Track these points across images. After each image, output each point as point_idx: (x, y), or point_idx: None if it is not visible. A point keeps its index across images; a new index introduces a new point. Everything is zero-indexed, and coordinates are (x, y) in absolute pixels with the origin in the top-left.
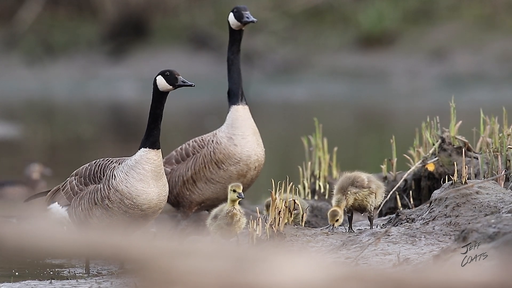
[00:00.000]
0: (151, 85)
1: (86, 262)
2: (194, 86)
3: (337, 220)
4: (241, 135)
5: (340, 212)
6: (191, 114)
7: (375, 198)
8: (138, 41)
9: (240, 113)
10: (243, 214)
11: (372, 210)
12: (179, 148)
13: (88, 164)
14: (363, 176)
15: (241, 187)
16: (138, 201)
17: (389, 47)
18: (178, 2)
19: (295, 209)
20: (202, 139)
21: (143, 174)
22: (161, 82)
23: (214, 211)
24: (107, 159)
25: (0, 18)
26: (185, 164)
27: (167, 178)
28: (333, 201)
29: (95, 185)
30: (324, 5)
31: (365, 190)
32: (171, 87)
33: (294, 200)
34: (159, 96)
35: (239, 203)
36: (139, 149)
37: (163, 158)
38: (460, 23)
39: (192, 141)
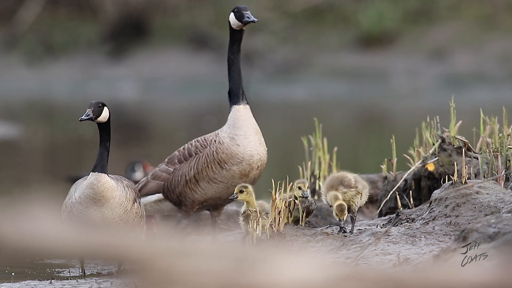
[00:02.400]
0: (151, 85)
1: (81, 263)
2: None
3: (345, 213)
4: (243, 135)
5: (345, 204)
6: (191, 114)
7: (360, 198)
8: (138, 41)
9: (241, 113)
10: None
11: (356, 210)
12: (181, 148)
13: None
14: (350, 176)
15: (306, 185)
16: (84, 223)
17: (389, 47)
18: (178, 2)
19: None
20: (205, 139)
21: (83, 199)
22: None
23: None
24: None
25: (0, 18)
26: (187, 163)
27: (169, 177)
28: (329, 198)
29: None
30: (324, 5)
31: (353, 190)
32: None
33: (294, 201)
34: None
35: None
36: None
37: (165, 159)
38: (460, 23)
39: (195, 141)
